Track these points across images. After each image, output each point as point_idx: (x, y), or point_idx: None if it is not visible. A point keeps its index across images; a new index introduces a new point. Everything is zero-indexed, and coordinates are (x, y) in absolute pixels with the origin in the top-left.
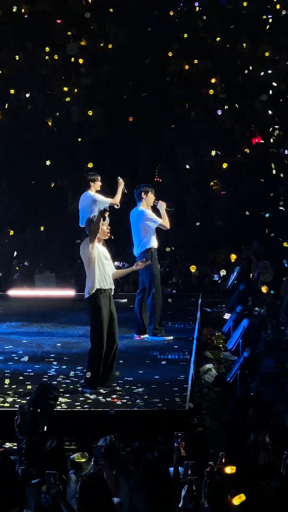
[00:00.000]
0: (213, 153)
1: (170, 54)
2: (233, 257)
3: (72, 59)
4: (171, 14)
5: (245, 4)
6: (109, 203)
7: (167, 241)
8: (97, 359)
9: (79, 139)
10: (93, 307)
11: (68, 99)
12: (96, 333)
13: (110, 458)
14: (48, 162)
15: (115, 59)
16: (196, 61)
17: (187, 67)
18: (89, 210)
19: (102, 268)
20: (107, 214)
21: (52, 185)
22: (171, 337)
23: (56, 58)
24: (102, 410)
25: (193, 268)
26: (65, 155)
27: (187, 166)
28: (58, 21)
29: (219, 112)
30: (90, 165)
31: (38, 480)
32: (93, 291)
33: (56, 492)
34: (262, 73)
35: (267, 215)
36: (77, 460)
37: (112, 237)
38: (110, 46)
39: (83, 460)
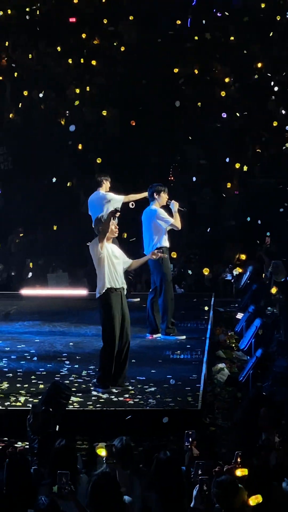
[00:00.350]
0: (237, 165)
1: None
2: (243, 257)
3: (82, 60)
4: (183, 13)
5: (263, 5)
6: (122, 201)
7: (179, 241)
8: (108, 358)
9: (91, 139)
10: (104, 306)
11: (76, 103)
12: (108, 332)
13: (124, 458)
14: (54, 179)
15: (127, 58)
16: (213, 64)
17: (197, 70)
18: (101, 209)
19: (112, 267)
20: (118, 214)
21: (69, 184)
22: (184, 337)
23: (70, 62)
24: (114, 410)
25: (206, 271)
26: (77, 155)
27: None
28: (73, 19)
29: (224, 115)
30: (98, 160)
31: (49, 480)
32: (104, 290)
33: (68, 492)
34: (272, 73)
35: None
36: (98, 451)
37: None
38: (122, 48)
39: (103, 453)
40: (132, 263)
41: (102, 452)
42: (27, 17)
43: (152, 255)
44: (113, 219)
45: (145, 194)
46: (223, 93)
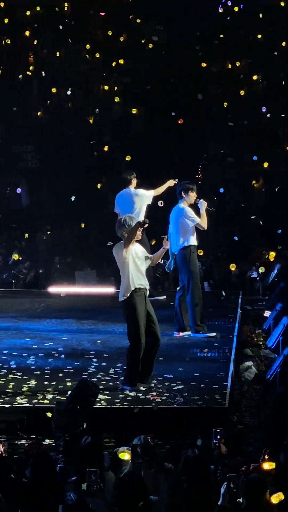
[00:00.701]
0: (266, 165)
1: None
2: (272, 254)
3: (114, 63)
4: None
5: (282, 4)
6: (152, 196)
7: (207, 239)
8: (134, 358)
9: (118, 138)
10: (128, 307)
11: (117, 99)
12: (134, 332)
13: (147, 457)
14: (73, 198)
15: (154, 56)
16: (240, 62)
17: (230, 66)
18: (132, 206)
19: (136, 268)
20: (146, 225)
21: (99, 186)
22: (214, 334)
23: (98, 56)
24: (142, 407)
25: (233, 267)
26: (104, 153)
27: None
28: (102, 13)
29: (264, 109)
30: (127, 158)
31: (75, 478)
32: (129, 293)
33: (97, 489)
34: None
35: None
36: (120, 456)
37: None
38: (150, 45)
39: (126, 457)
40: (153, 260)
41: (125, 456)
42: (54, 15)
43: (165, 244)
44: (140, 227)
45: (170, 182)
46: (242, 93)
